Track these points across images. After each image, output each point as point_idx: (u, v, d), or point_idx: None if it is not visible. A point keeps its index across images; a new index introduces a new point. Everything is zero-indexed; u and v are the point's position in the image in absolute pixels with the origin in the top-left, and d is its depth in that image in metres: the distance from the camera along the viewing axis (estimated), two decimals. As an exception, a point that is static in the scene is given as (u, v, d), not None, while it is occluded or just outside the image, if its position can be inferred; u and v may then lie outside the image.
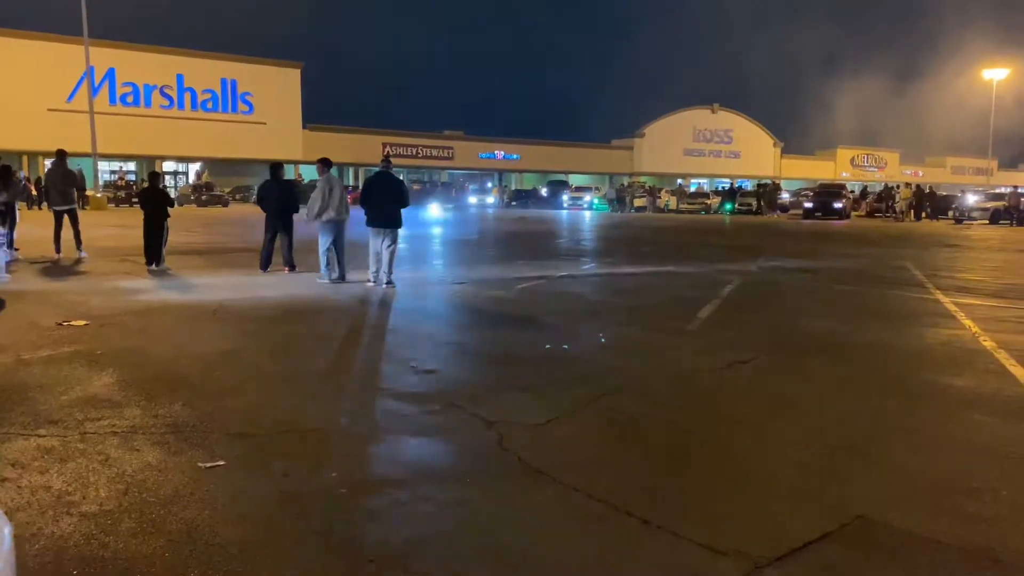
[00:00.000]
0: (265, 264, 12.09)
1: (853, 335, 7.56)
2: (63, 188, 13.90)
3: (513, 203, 53.00)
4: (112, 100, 46.56)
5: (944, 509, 3.45)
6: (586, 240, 22.41)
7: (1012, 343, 7.07)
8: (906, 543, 3.12)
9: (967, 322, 8.27)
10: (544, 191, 55.36)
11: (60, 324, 7.37)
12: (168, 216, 12.43)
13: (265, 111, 51.98)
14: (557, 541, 3.13)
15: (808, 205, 39.64)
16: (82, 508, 3.32)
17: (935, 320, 8.50)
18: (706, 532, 3.17)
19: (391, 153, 50.14)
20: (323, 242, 10.89)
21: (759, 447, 4.29)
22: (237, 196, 48.13)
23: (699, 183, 67.00)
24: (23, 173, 37.21)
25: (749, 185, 58.53)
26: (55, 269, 12.26)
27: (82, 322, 7.49)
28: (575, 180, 63.19)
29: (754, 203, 45.24)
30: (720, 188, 54.70)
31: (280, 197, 12.02)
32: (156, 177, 13.87)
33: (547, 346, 6.86)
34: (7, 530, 1.82)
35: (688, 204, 47.55)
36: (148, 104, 48.51)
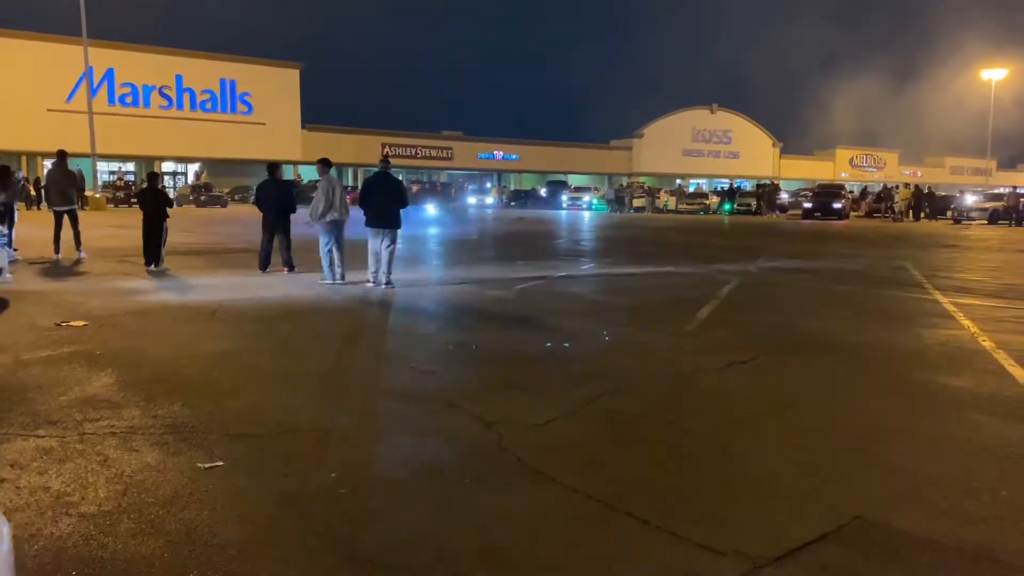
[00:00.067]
0: (264, 264, 12.09)
1: (852, 335, 7.56)
2: (64, 188, 13.89)
3: (512, 203, 53.01)
4: (111, 100, 46.56)
5: (943, 509, 3.46)
6: (585, 240, 22.41)
7: (1011, 343, 7.08)
8: (905, 543, 3.12)
9: (966, 322, 8.27)
10: (543, 191, 55.39)
11: (59, 324, 7.37)
12: (167, 216, 12.42)
13: (264, 111, 51.97)
14: (556, 541, 3.13)
15: (807, 205, 39.71)
16: (81, 509, 3.32)
17: (934, 320, 8.50)
18: (705, 532, 3.17)
19: (390, 153, 50.22)
20: (324, 243, 10.89)
21: (758, 447, 4.29)
22: (236, 196, 48.12)
23: (698, 183, 67.02)
24: (21, 173, 37.20)
25: (748, 185, 58.58)
26: (54, 269, 12.26)
27: (81, 323, 7.49)
28: (574, 180, 63.21)
29: (753, 203, 45.26)
30: (719, 188, 54.70)
31: (278, 198, 12.02)
32: (155, 177, 13.87)
33: (548, 344, 6.87)
34: (6, 530, 1.82)
35: (687, 204, 47.54)
36: (147, 104, 48.49)
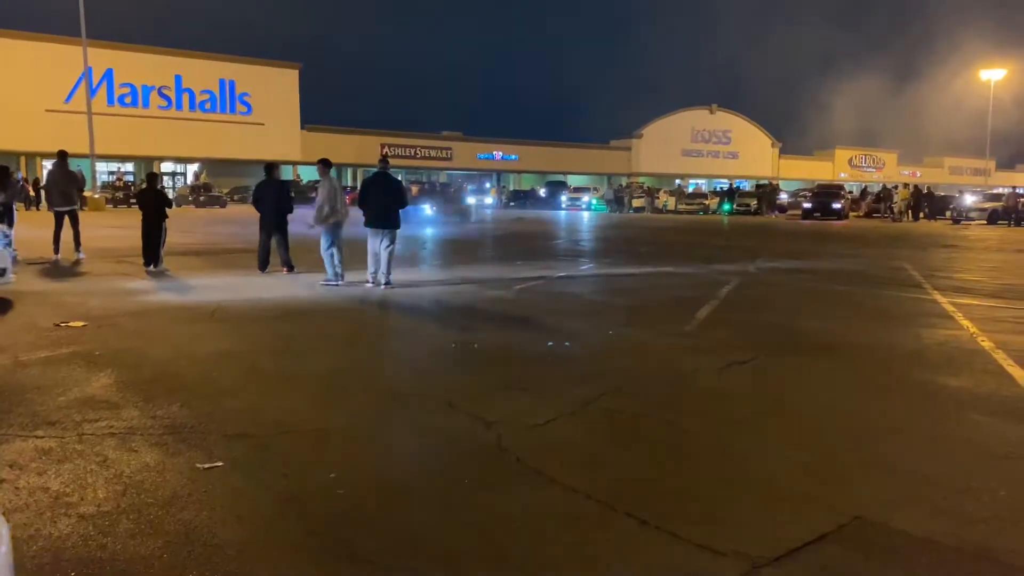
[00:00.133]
0: (263, 265, 12.08)
1: (851, 336, 7.57)
2: (65, 189, 13.89)
3: (511, 204, 53.02)
4: (110, 101, 46.55)
5: (942, 509, 3.46)
6: (584, 241, 22.41)
7: (1010, 343, 7.08)
8: (904, 543, 3.12)
9: (965, 322, 8.28)
10: (542, 192, 55.38)
11: (58, 325, 7.37)
12: (166, 217, 12.42)
13: (263, 112, 51.97)
14: (556, 541, 3.13)
15: (806, 206, 39.76)
16: (80, 509, 3.31)
17: (933, 320, 8.51)
18: (704, 532, 3.17)
19: (389, 154, 50.18)
20: (325, 243, 10.87)
21: (757, 447, 4.29)
22: (235, 197, 48.05)
23: (697, 184, 67.05)
24: (20, 174, 37.17)
25: (747, 185, 58.59)
26: (53, 270, 12.25)
27: (80, 323, 7.49)
28: (573, 181, 63.23)
29: (752, 203, 45.28)
30: (718, 188, 54.73)
31: (275, 198, 12.01)
32: (154, 178, 13.85)
33: (549, 343, 6.87)
34: (5, 531, 1.82)
35: (686, 205, 47.57)
36: (146, 105, 48.49)
